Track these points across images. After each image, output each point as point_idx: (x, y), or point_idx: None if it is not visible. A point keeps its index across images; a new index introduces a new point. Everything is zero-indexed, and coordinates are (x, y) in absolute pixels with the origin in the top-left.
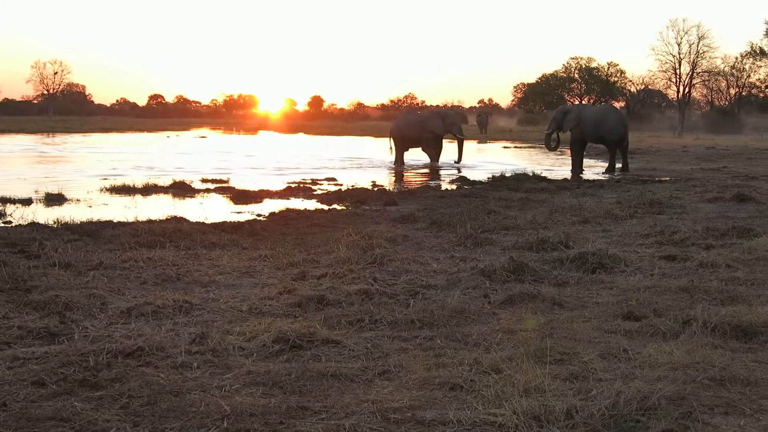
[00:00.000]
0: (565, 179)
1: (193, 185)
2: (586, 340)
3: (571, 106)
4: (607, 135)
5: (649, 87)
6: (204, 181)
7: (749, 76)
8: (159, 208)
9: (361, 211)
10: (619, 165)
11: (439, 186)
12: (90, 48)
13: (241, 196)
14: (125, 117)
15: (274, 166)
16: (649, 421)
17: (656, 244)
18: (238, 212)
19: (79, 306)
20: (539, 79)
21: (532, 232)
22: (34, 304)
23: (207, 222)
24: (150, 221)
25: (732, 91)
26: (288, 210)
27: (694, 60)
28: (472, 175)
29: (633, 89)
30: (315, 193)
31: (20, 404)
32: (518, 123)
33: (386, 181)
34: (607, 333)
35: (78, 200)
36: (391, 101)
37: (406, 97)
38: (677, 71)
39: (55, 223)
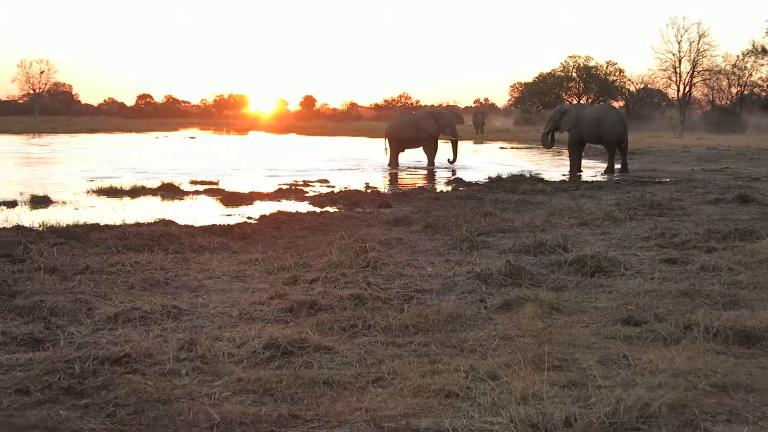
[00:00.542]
0: (563, 180)
1: (182, 187)
2: (585, 346)
3: (569, 105)
4: (605, 135)
5: (649, 86)
6: (193, 182)
7: (751, 74)
8: (147, 210)
9: (354, 214)
10: (618, 166)
11: (434, 188)
12: (77, 47)
13: (232, 198)
14: (113, 117)
15: (265, 167)
16: (649, 429)
17: (656, 247)
18: (228, 215)
19: (65, 311)
20: (536, 78)
21: (529, 235)
22: (18, 310)
23: (196, 225)
24: (138, 224)
25: (733, 90)
26: (279, 212)
27: (694, 58)
28: (468, 176)
29: (632, 88)
30: (307, 195)
31: (4, 412)
32: (515, 123)
33: (380, 182)
34: (606, 338)
35: (64, 202)
36: (385, 101)
37: (400, 96)
38: (677, 70)
39: (40, 226)
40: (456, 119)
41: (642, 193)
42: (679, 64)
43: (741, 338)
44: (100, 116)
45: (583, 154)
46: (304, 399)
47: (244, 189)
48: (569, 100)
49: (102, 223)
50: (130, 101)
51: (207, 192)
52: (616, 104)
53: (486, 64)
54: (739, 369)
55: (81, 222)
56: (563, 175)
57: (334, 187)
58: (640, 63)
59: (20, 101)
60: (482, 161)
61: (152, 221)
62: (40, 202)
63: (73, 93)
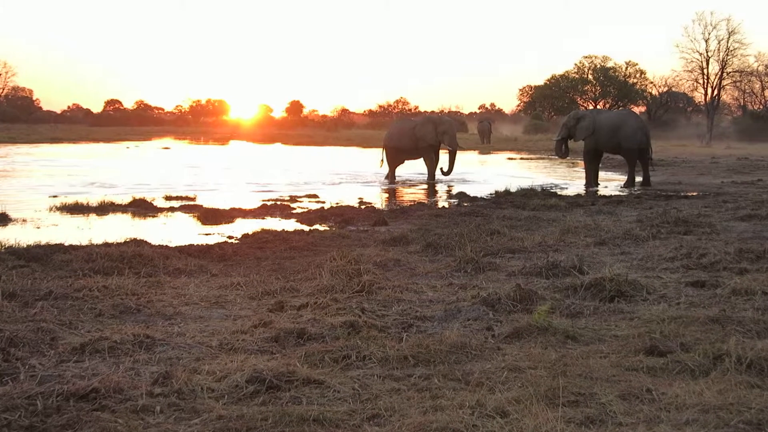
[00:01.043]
0: (578, 195)
1: (155, 203)
2: (604, 379)
3: (584, 111)
4: (625, 144)
5: (673, 89)
6: (168, 198)
7: None
8: (117, 229)
9: (347, 233)
10: (639, 178)
11: (436, 203)
12: (38, 47)
13: (210, 216)
14: (78, 125)
15: (248, 180)
16: None
17: (683, 268)
18: (207, 234)
19: (26, 342)
20: (548, 80)
21: (541, 256)
22: None
23: (171, 245)
24: (106, 244)
25: (767, 94)
26: (263, 231)
27: (723, 58)
28: (473, 190)
29: (655, 92)
30: (294, 211)
31: None
32: (524, 131)
33: (375, 197)
34: (627, 370)
35: (24, 221)
36: (381, 107)
37: (397, 102)
38: (704, 71)
39: None
40: (458, 127)
41: (666, 209)
42: (707, 64)
43: None
44: (64, 124)
45: (600, 165)
46: None
47: (225, 205)
48: (585, 105)
49: (66, 244)
50: (97, 107)
51: (183, 208)
52: (636, 109)
53: (492, 65)
54: None
55: (43, 242)
56: (578, 188)
57: (324, 202)
58: (663, 63)
59: None
60: (488, 173)
61: (122, 241)
62: None
63: (34, 98)
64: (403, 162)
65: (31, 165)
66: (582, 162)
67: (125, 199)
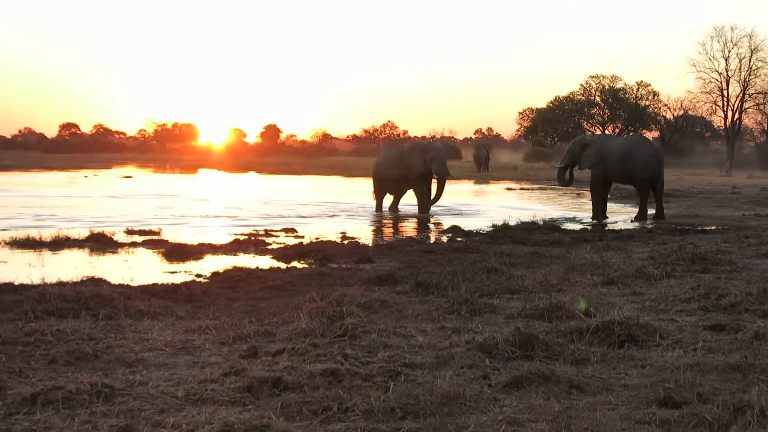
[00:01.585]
0: (584, 229)
1: (115, 238)
2: None
3: (591, 136)
4: (636, 173)
5: (689, 112)
6: (129, 232)
7: None
8: (73, 266)
9: (328, 270)
10: (651, 211)
11: (427, 238)
12: None
13: (177, 252)
14: (30, 151)
15: (218, 213)
16: None
17: (700, 310)
18: (173, 272)
19: None
20: (551, 103)
21: (543, 296)
22: None
23: (133, 284)
24: (61, 284)
25: None
26: (235, 269)
27: (745, 78)
28: (468, 224)
29: (669, 115)
30: (270, 247)
31: None
32: (525, 158)
33: (359, 232)
34: (638, 423)
35: None
36: (366, 131)
37: (383, 126)
38: (724, 92)
39: None
40: (451, 154)
41: (681, 245)
42: (727, 85)
43: None
44: (14, 150)
45: (608, 196)
46: None
47: (193, 240)
48: (592, 130)
49: (16, 283)
50: (51, 132)
51: (147, 244)
52: (648, 135)
53: (489, 86)
54: None
55: None
56: (585, 222)
57: (302, 237)
58: (678, 84)
59: None
60: (485, 205)
61: (79, 280)
62: None
63: None
64: (389, 192)
65: None
66: (588, 192)
67: (82, 234)
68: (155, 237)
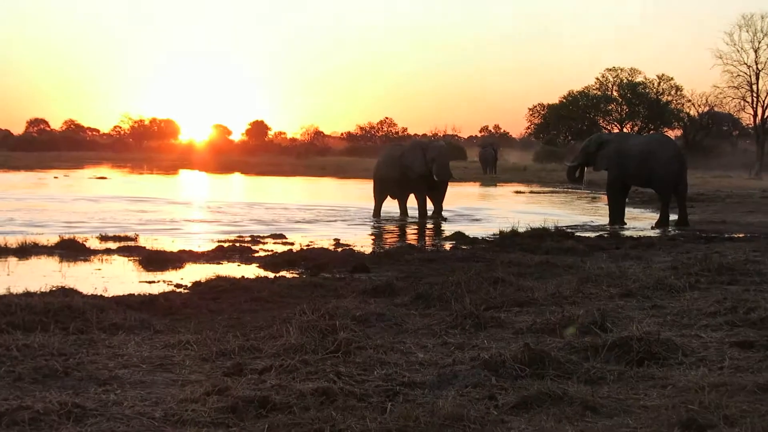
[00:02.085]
0: (600, 236)
1: (88, 245)
2: None
3: (608, 135)
4: (657, 176)
5: (715, 109)
6: (103, 238)
7: None
8: (41, 276)
9: (320, 281)
10: (674, 216)
11: (428, 245)
12: None
13: (155, 260)
14: None
15: (200, 218)
16: None
17: (726, 325)
18: (150, 282)
19: None
20: (564, 98)
21: (555, 310)
22: None
23: (107, 295)
24: (28, 294)
25: None
26: (219, 278)
27: None
28: (473, 230)
29: (693, 112)
30: (256, 255)
31: None
32: (535, 158)
33: (354, 238)
34: None
35: None
36: (361, 128)
37: (381, 122)
38: (754, 87)
39: None
40: (455, 154)
41: (707, 253)
42: (756, 79)
43: None
44: None
45: (626, 200)
46: None
47: (172, 247)
48: (609, 128)
49: None
50: (17, 128)
51: (122, 251)
52: (670, 133)
53: (497, 79)
54: None
55: None
56: (601, 228)
57: (292, 244)
58: (703, 78)
59: None
60: (492, 210)
61: (48, 290)
62: None
63: None
64: (390, 195)
65: None
66: (605, 196)
67: (52, 240)
68: (131, 243)
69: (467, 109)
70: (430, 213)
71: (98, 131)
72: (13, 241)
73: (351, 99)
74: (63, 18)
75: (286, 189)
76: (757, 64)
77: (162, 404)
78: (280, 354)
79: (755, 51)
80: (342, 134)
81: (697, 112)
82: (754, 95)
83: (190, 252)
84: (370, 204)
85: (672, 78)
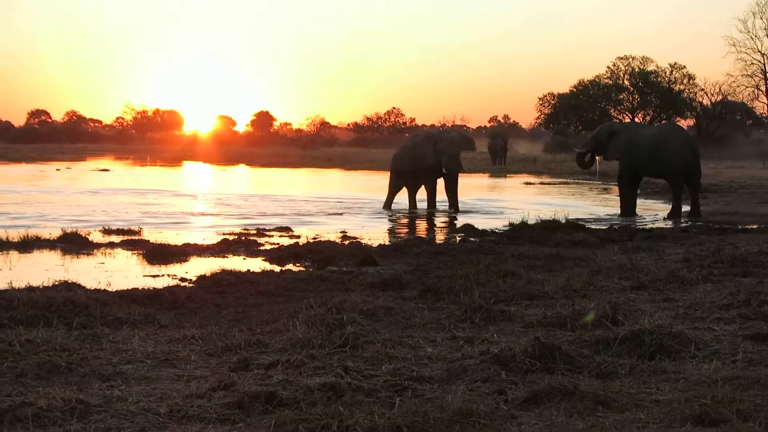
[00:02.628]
0: (611, 228)
1: (90, 238)
2: None
3: (619, 124)
4: (669, 166)
5: (729, 98)
6: (106, 232)
7: None
8: (43, 270)
9: (327, 274)
10: (686, 207)
11: (436, 238)
12: None
13: (159, 253)
14: None
15: (205, 210)
16: None
17: (740, 318)
18: (155, 275)
19: None
20: (574, 87)
21: (565, 303)
22: None
23: (110, 289)
24: (30, 289)
25: None
26: (224, 272)
27: None
28: (482, 222)
29: (706, 101)
30: (262, 248)
31: None
32: (545, 149)
33: (361, 231)
34: None
35: None
36: (368, 119)
37: (388, 113)
38: None
39: None
40: (465, 144)
41: (719, 245)
42: None
43: None
44: None
45: (638, 191)
46: None
47: (177, 240)
48: (620, 117)
49: None
50: (19, 120)
51: (125, 244)
52: (683, 123)
53: (506, 68)
54: None
55: None
56: (612, 219)
57: (298, 237)
58: (716, 66)
59: None
60: (501, 202)
61: (50, 285)
62: None
63: None
64: (405, 187)
65: None
66: (616, 187)
67: (54, 233)
68: (135, 237)
69: (476, 99)
70: (442, 206)
71: (101, 123)
72: (15, 235)
73: (358, 89)
74: (64, 8)
75: (293, 181)
76: None
77: (167, 400)
78: (286, 349)
79: None
80: (348, 125)
81: (710, 101)
82: None
83: (195, 245)
84: (378, 196)
85: (684, 66)
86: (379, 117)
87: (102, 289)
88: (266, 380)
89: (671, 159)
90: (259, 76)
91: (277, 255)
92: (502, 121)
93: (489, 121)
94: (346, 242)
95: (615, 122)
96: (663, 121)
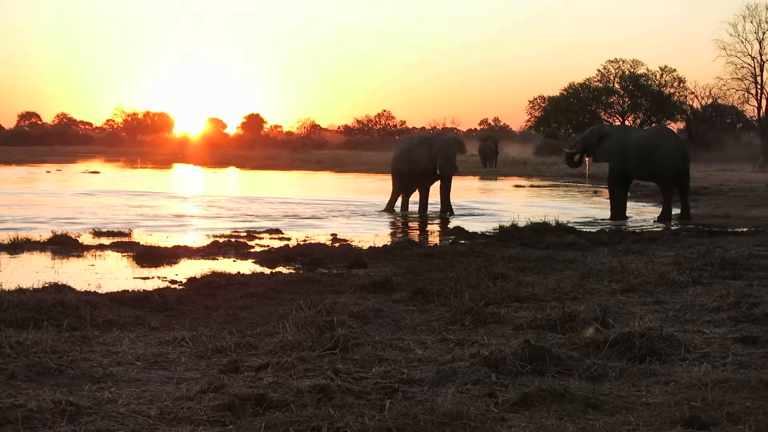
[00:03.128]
0: (601, 230)
1: (81, 240)
2: None
3: (610, 127)
4: (659, 169)
5: (719, 101)
6: (96, 234)
7: None
8: (33, 272)
9: (317, 276)
10: (676, 210)
11: (427, 240)
12: None
13: (149, 256)
14: None
15: (195, 213)
16: None
17: (730, 321)
18: (145, 278)
19: None
20: (565, 90)
21: (555, 305)
22: None
23: (100, 291)
24: (20, 290)
25: None
26: (214, 274)
27: None
28: (472, 225)
29: (696, 104)
30: (252, 250)
31: None
32: (535, 152)
33: (351, 233)
34: None
35: None
36: (358, 121)
37: (378, 115)
38: (758, 79)
39: None
40: (460, 147)
41: (709, 248)
42: (761, 70)
43: None
44: None
45: (628, 194)
46: None
47: (167, 242)
48: (610, 120)
49: None
50: (9, 122)
51: (115, 246)
52: (673, 126)
53: (496, 71)
54: None
55: None
56: (602, 222)
57: (288, 239)
58: (706, 70)
59: None
60: (491, 204)
61: (40, 287)
62: None
63: None
64: (406, 189)
65: None
66: (606, 190)
67: (44, 235)
68: (125, 239)
69: (466, 101)
70: (434, 209)
71: (91, 125)
72: (5, 237)
73: (348, 92)
74: (55, 11)
75: (283, 183)
76: (761, 56)
77: (157, 402)
78: (276, 351)
79: (759, 42)
80: (339, 127)
81: (701, 104)
82: (759, 87)
83: (185, 247)
84: (369, 198)
85: (675, 70)
86: (369, 120)
87: (92, 291)
88: (256, 382)
89: (662, 162)
90: (249, 79)
91: (267, 257)
92: (492, 123)
93: (479, 124)
94: (337, 244)
95: (606, 125)
96: (653, 125)
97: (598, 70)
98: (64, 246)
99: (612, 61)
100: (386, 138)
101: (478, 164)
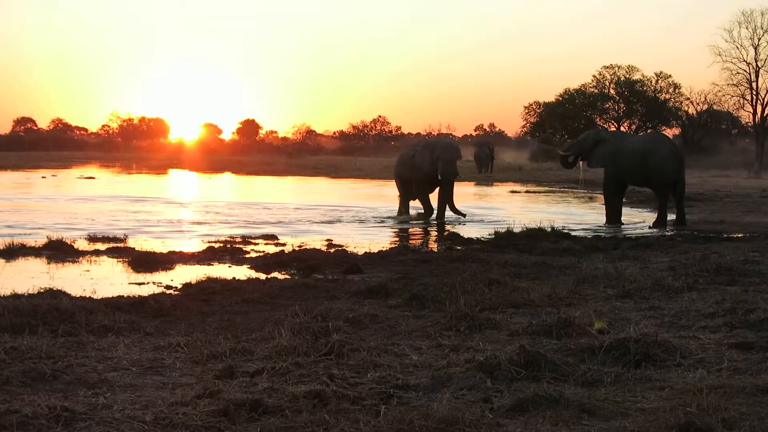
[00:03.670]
0: (596, 236)
1: (76, 245)
2: None
3: (605, 132)
4: (654, 175)
5: (714, 107)
6: (92, 239)
7: None
8: (28, 277)
9: (312, 282)
10: (672, 216)
11: (422, 246)
12: None
13: (144, 261)
14: None
15: (191, 218)
16: None
17: (725, 326)
18: (140, 283)
19: None
20: (560, 96)
21: (551, 311)
22: None
23: (95, 297)
24: (15, 296)
25: None
26: (209, 280)
27: None
28: (467, 230)
29: (691, 110)
30: (247, 256)
31: None
32: (531, 158)
33: (347, 239)
34: None
35: None
36: (354, 127)
37: (374, 121)
38: (753, 85)
39: None
40: (455, 153)
41: (705, 254)
42: (756, 76)
43: None
44: None
45: (624, 199)
46: None
47: (162, 248)
48: (606, 126)
49: None
50: (4, 127)
51: (111, 252)
52: (668, 132)
53: (491, 77)
54: None
55: None
56: (597, 228)
57: (284, 245)
58: (702, 76)
59: None
60: (487, 211)
61: (35, 292)
62: None
63: None
64: (411, 194)
65: None
66: (601, 196)
67: (39, 241)
68: (120, 245)
69: (462, 107)
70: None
71: (86, 130)
72: (0, 243)
73: (344, 97)
74: (50, 16)
75: (279, 189)
76: (756, 62)
77: (152, 408)
78: (272, 356)
79: (755, 48)
80: (334, 133)
81: (696, 110)
82: (754, 93)
83: (180, 253)
84: (365, 204)
85: (670, 76)
86: (365, 125)
87: (87, 296)
88: (252, 388)
89: (658, 168)
90: (245, 84)
91: (262, 263)
92: (488, 129)
93: (475, 130)
94: (332, 250)
95: (601, 130)
96: (649, 130)
97: (594, 76)
98: (59, 251)
99: (607, 67)
100: (381, 143)
101: (473, 170)
